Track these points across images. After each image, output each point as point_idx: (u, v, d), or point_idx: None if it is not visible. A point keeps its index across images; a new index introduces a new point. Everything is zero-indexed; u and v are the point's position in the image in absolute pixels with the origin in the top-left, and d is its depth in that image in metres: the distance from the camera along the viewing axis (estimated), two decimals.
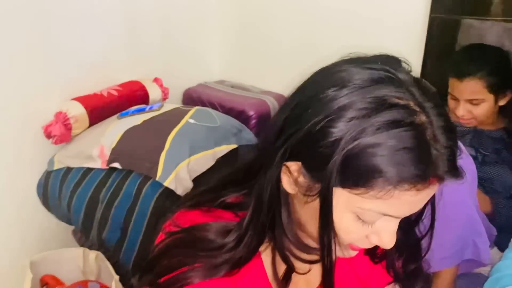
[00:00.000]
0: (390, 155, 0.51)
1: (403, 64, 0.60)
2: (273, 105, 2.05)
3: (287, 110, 0.60)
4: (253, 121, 1.98)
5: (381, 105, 0.52)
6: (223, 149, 1.60)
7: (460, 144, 1.17)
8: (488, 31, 1.47)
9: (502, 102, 1.37)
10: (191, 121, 1.59)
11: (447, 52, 1.58)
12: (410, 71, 0.59)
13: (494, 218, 1.35)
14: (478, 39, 1.49)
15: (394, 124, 0.51)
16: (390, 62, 0.58)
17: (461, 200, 1.12)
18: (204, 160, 1.53)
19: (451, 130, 0.55)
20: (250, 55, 2.23)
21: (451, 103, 1.41)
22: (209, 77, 2.29)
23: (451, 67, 1.38)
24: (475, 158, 1.39)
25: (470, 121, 1.39)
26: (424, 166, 0.52)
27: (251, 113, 1.97)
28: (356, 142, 0.51)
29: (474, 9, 1.50)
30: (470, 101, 1.34)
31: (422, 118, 0.52)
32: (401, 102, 0.53)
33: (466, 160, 1.15)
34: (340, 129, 0.52)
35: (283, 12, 2.03)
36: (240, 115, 1.97)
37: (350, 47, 1.90)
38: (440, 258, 1.13)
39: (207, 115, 1.66)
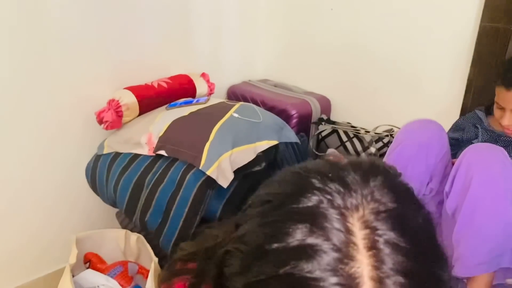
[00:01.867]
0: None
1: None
2: (315, 106, 2.08)
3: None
4: (295, 120, 2.02)
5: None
6: (264, 144, 1.65)
7: (505, 152, 1.18)
8: None
9: None
10: (235, 115, 1.65)
11: (496, 62, 1.57)
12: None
13: None
14: None
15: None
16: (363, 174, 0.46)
17: (500, 207, 1.13)
18: (245, 153, 1.58)
19: None
20: (294, 56, 2.28)
21: (497, 112, 1.40)
22: (253, 75, 2.35)
23: (499, 75, 1.37)
24: None
25: None
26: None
27: (293, 112, 2.01)
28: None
29: None
30: None
31: (358, 269, 0.39)
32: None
33: (510, 169, 1.15)
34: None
35: (329, 13, 2.07)
36: (281, 114, 2.01)
37: (395, 51, 1.95)
38: (476, 263, 1.13)
39: (250, 110, 1.72)
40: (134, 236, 1.66)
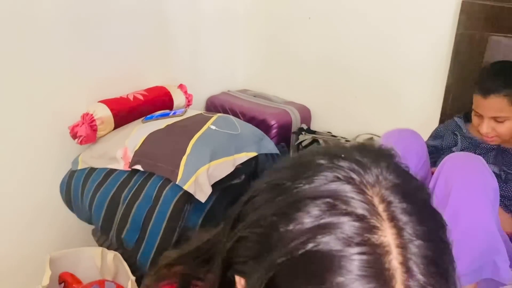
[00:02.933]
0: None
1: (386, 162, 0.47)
2: (295, 116, 2.07)
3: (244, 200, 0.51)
4: (274, 131, 2.00)
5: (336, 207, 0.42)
6: (243, 156, 1.63)
7: (483, 161, 1.18)
8: None
9: None
10: (213, 127, 1.62)
11: (473, 69, 1.58)
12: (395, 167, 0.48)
13: None
14: (505, 56, 1.49)
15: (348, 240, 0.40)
16: (368, 156, 0.47)
17: (481, 217, 1.12)
18: (224, 166, 1.55)
19: (433, 259, 0.42)
20: (274, 65, 2.27)
21: (475, 120, 1.40)
22: (233, 86, 2.33)
23: (476, 83, 1.37)
24: (498, 176, 1.38)
25: (494, 138, 1.38)
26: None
27: (273, 122, 2.00)
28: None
29: (502, 26, 1.50)
30: (494, 119, 1.34)
31: (384, 238, 0.40)
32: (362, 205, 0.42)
33: (489, 178, 1.15)
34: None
35: (308, 23, 2.07)
36: (261, 124, 2.00)
37: (374, 60, 1.95)
38: (459, 275, 1.12)
39: (228, 122, 1.70)
40: (111, 254, 1.61)
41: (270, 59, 2.28)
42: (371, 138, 1.90)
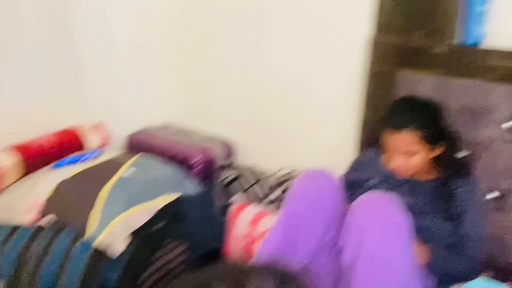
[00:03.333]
0: None
1: None
2: (219, 151, 2.04)
3: None
4: (198, 168, 1.96)
5: None
6: (163, 201, 1.57)
7: (395, 199, 1.20)
8: (421, 83, 1.54)
9: (435, 154, 1.41)
10: (129, 171, 1.55)
11: (385, 103, 1.63)
12: None
13: (432, 268, 1.37)
14: (412, 91, 1.56)
15: None
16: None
17: (393, 257, 1.14)
18: (141, 214, 1.49)
19: None
20: (197, 99, 2.24)
21: (386, 154, 1.43)
22: (155, 121, 2.27)
23: (385, 119, 1.40)
24: (411, 209, 1.42)
25: (405, 172, 1.42)
26: None
27: (195, 160, 1.95)
28: None
29: (408, 62, 1.57)
30: (404, 153, 1.37)
31: None
32: None
33: (402, 217, 1.17)
34: None
35: (232, 55, 2.06)
36: (183, 162, 1.95)
37: (292, 94, 1.95)
38: None
39: (147, 164, 1.63)
40: None
41: (192, 93, 2.24)
42: (293, 171, 1.91)
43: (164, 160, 1.98)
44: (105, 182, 1.45)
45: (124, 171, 1.51)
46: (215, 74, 2.13)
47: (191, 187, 1.68)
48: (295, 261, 1.27)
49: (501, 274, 1.48)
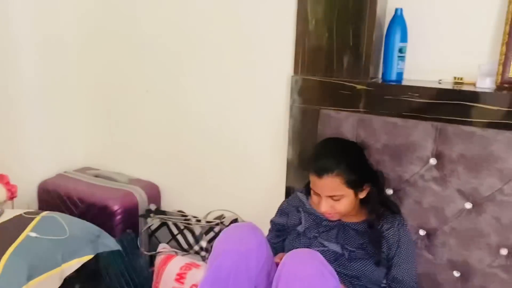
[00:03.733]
0: None
1: None
2: (141, 196, 1.91)
3: None
4: (119, 217, 1.82)
5: None
6: (74, 264, 1.42)
7: (321, 258, 1.15)
8: (344, 121, 1.52)
9: (361, 195, 1.38)
10: (33, 234, 1.40)
11: (310, 141, 1.59)
12: None
13: None
14: (335, 129, 1.53)
15: None
16: None
17: None
18: (48, 283, 1.33)
19: None
20: (116, 140, 2.11)
21: (314, 198, 1.39)
22: (72, 165, 2.10)
23: (310, 163, 1.37)
24: (341, 255, 1.38)
25: (334, 215, 1.38)
26: None
27: (116, 207, 1.82)
28: None
29: (329, 100, 1.54)
30: (331, 197, 1.34)
31: None
32: None
33: (328, 278, 1.12)
34: None
35: (155, 94, 1.96)
36: (102, 212, 1.81)
37: (218, 136, 1.88)
38: None
39: (53, 224, 1.48)
40: None
41: (111, 134, 2.11)
42: (222, 216, 1.82)
43: (79, 211, 1.83)
44: (7, 246, 1.29)
45: (24, 237, 1.35)
46: (137, 113, 2.03)
47: (108, 244, 1.54)
48: None
49: None
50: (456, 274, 1.44)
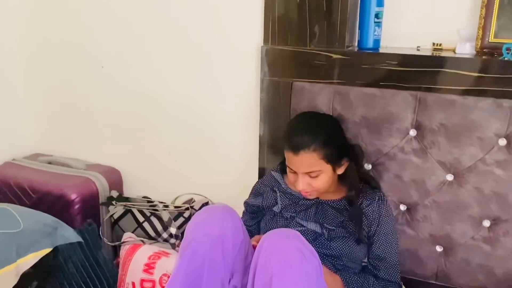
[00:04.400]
0: None
1: None
2: (101, 183, 1.80)
3: None
4: (77, 206, 1.72)
5: None
6: (30, 259, 1.32)
7: (300, 237, 1.10)
8: (319, 94, 1.46)
9: (340, 171, 1.34)
10: None
11: (283, 116, 1.52)
12: None
13: None
14: (310, 102, 1.47)
15: None
16: None
17: None
18: (2, 281, 1.23)
19: None
20: (70, 123, 1.98)
21: (290, 176, 1.34)
22: (20, 152, 1.96)
23: (284, 139, 1.31)
24: (320, 235, 1.33)
25: (312, 193, 1.34)
26: None
27: (73, 196, 1.71)
28: None
29: (303, 71, 1.47)
30: (308, 174, 1.29)
31: None
32: None
33: (308, 257, 1.07)
34: None
35: (114, 73, 1.84)
36: (59, 200, 1.70)
37: (184, 113, 1.79)
38: None
39: (5, 216, 1.37)
40: None
41: (63, 116, 1.98)
42: (191, 200, 1.75)
43: (32, 202, 1.71)
44: None
45: None
46: (92, 92, 1.90)
47: (67, 236, 1.44)
48: None
49: (421, 286, 1.47)
50: (439, 248, 1.43)
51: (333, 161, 1.30)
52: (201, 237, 1.14)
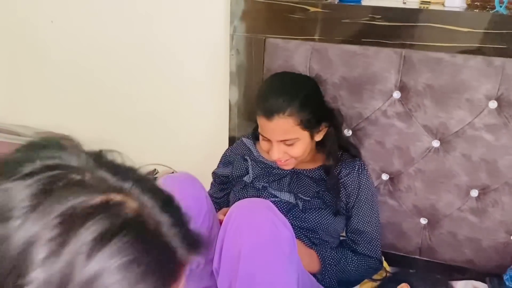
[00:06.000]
0: (121, 279, 0.44)
1: (66, 142, 0.51)
2: None
3: None
4: None
5: (73, 221, 0.44)
6: None
7: (271, 206, 1.04)
8: (295, 52, 1.38)
9: (318, 138, 1.28)
10: None
11: (255, 78, 1.45)
12: (81, 149, 0.52)
13: (326, 275, 1.25)
14: (285, 61, 1.40)
15: (105, 238, 0.44)
16: (48, 149, 0.50)
17: (276, 276, 1.00)
18: None
19: (168, 200, 0.52)
20: (18, 86, 1.88)
21: (264, 144, 1.27)
22: None
23: (257, 104, 1.24)
24: (295, 206, 1.28)
25: (287, 163, 1.27)
26: (166, 261, 0.48)
27: None
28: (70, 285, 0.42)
29: (276, 26, 1.39)
30: (284, 142, 1.22)
31: (132, 205, 0.47)
32: (96, 201, 0.45)
33: (280, 228, 1.01)
34: (35, 279, 0.42)
35: (59, 24, 1.73)
36: None
37: (144, 72, 1.67)
38: None
39: None
40: None
41: (7, 78, 1.87)
42: (154, 171, 1.67)
43: None
44: None
45: None
46: (40, 49, 1.78)
47: None
48: None
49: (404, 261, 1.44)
50: (423, 221, 1.40)
51: (311, 127, 1.23)
52: None
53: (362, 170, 1.32)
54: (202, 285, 1.16)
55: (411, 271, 1.28)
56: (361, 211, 1.30)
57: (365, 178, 1.32)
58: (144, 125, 1.75)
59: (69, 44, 1.74)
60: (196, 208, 1.09)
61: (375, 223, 1.32)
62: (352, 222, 1.31)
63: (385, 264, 1.38)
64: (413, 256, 1.43)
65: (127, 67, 1.69)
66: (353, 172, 1.30)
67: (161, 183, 1.13)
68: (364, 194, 1.31)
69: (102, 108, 1.78)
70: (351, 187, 1.30)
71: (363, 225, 1.31)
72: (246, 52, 1.45)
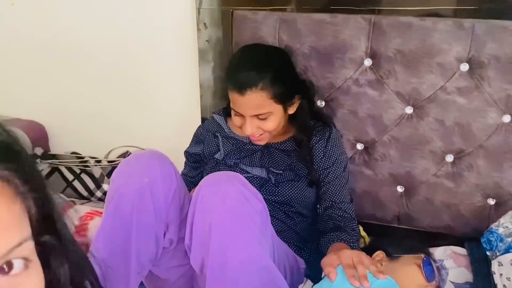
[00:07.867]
0: None
1: None
2: (23, 138, 1.69)
3: None
4: None
5: None
6: None
7: (242, 179, 1.06)
8: (263, 23, 1.40)
9: (291, 111, 1.31)
10: None
11: (224, 51, 1.47)
12: None
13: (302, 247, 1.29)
14: (254, 33, 1.42)
15: None
16: None
17: (248, 250, 1.02)
18: None
19: None
20: None
21: (236, 120, 1.29)
22: None
23: (227, 79, 1.26)
24: (267, 180, 1.31)
25: (262, 137, 1.30)
26: None
27: None
28: None
29: None
30: (257, 116, 1.25)
31: None
32: None
33: (251, 201, 1.04)
34: None
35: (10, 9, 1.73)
36: None
37: (111, 53, 1.67)
38: None
39: None
40: None
41: None
42: (127, 153, 1.70)
43: None
44: None
45: None
46: (1, 34, 1.78)
47: None
48: (132, 271, 1.10)
49: (383, 231, 1.48)
50: (400, 189, 1.45)
51: (284, 100, 1.26)
52: (127, 187, 1.09)
53: (334, 136, 1.34)
54: (176, 263, 1.19)
55: (386, 239, 1.32)
56: (333, 178, 1.31)
57: (337, 145, 1.34)
58: (115, 107, 1.76)
59: (33, 31, 1.74)
60: (165, 185, 1.11)
61: (347, 190, 1.33)
62: (324, 191, 1.31)
63: (364, 234, 1.43)
64: (392, 225, 1.48)
65: (91, 48, 1.70)
66: (324, 139, 1.33)
67: (126, 163, 1.16)
68: (336, 161, 1.32)
69: (68, 89, 1.79)
70: (321, 153, 1.32)
71: (335, 193, 1.31)
72: (214, 26, 1.47)
